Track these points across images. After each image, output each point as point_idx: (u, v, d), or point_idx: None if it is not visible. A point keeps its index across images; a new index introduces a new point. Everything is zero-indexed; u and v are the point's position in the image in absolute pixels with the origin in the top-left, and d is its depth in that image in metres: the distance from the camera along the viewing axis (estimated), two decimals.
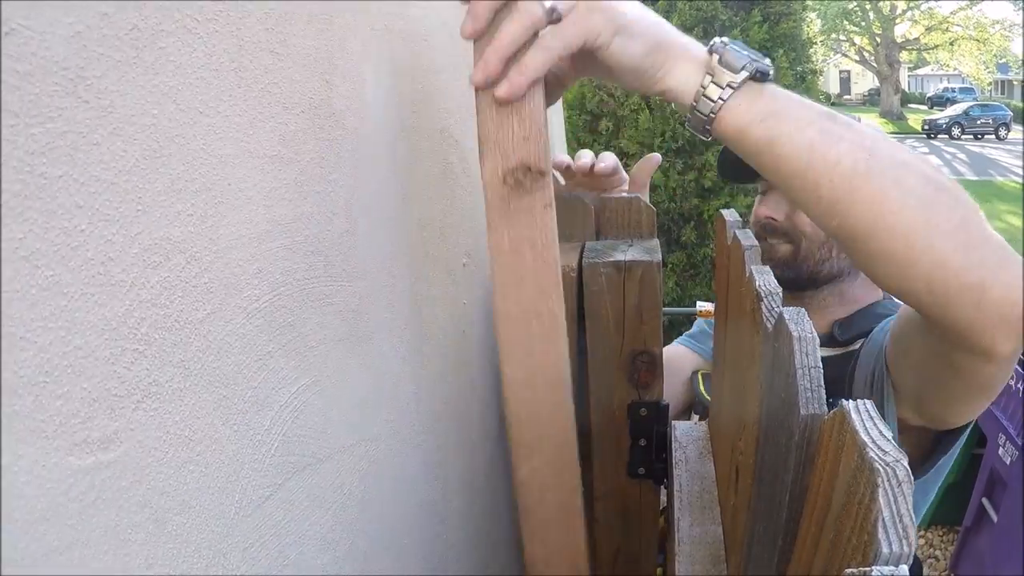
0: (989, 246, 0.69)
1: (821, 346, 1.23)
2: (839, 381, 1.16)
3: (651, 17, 0.73)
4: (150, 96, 0.44)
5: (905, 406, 1.05)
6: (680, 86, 0.73)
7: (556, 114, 1.74)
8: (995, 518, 2.97)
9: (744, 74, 0.70)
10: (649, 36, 0.71)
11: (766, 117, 0.71)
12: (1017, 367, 2.78)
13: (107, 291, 0.42)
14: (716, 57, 0.71)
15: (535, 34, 0.67)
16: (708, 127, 0.73)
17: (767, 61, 0.73)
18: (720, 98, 0.71)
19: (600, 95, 4.08)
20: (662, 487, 1.32)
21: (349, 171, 0.70)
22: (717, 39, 0.73)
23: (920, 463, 1.09)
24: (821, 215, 0.74)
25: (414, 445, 0.87)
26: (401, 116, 0.85)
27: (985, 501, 3.06)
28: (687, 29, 3.95)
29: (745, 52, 0.71)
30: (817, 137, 0.70)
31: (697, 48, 0.74)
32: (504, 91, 0.68)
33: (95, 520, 0.41)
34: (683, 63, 0.72)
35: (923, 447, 1.08)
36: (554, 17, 0.67)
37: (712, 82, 0.70)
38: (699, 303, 1.31)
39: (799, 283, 1.27)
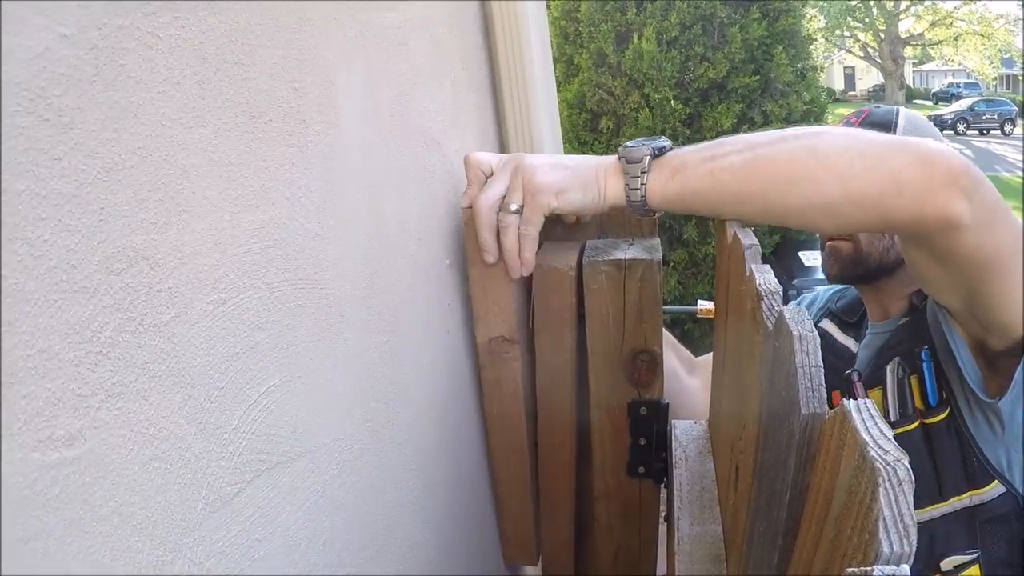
0: (878, 153, 0.79)
1: (904, 316, 1.27)
2: (921, 338, 1.18)
3: (566, 163, 0.94)
4: (111, 112, 0.46)
5: (970, 327, 1.06)
6: (616, 197, 0.92)
7: (551, 118, 1.76)
8: None
9: (646, 159, 0.87)
10: (577, 180, 0.93)
11: (673, 176, 0.87)
12: None
13: (70, 297, 0.44)
14: (623, 160, 0.89)
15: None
16: (646, 208, 0.91)
17: (662, 139, 0.89)
18: (641, 184, 0.88)
19: (600, 94, 4.09)
20: (662, 486, 1.33)
21: (320, 176, 0.72)
22: (620, 146, 0.92)
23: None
24: (760, 215, 0.87)
25: (392, 445, 0.89)
26: (378, 121, 0.87)
27: None
28: (686, 27, 3.95)
29: (641, 142, 0.88)
30: (712, 164, 0.85)
31: (608, 161, 0.93)
32: (524, 272, 1.03)
33: (60, 513, 0.43)
34: (607, 180, 0.92)
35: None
36: (518, 211, 0.95)
37: (630, 178, 0.89)
38: (700, 302, 1.31)
39: (872, 275, 1.30)
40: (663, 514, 1.33)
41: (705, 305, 1.41)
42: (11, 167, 0.40)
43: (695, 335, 4.34)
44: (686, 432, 1.33)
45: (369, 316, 0.83)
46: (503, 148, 1.54)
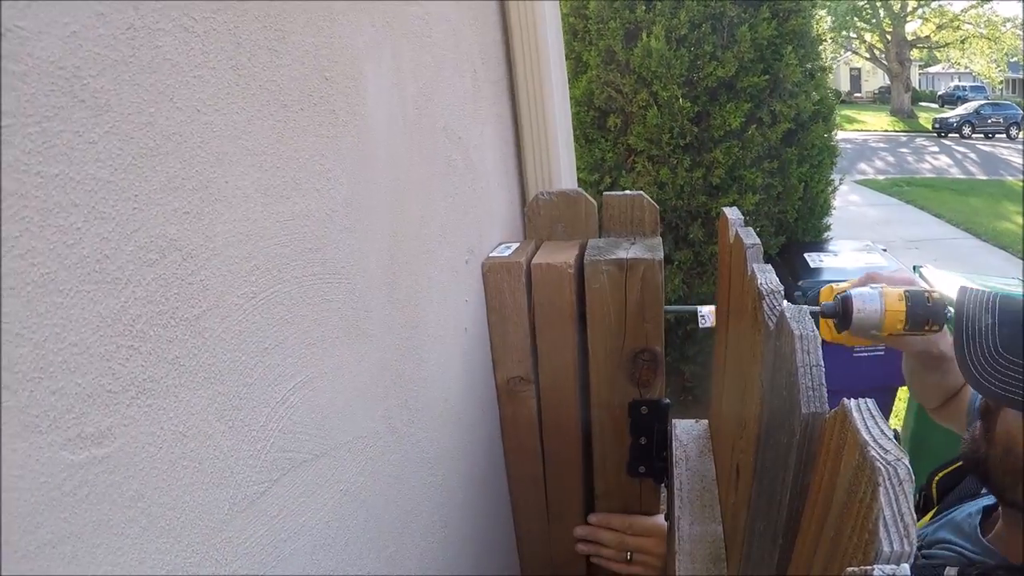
0: None
1: None
2: None
3: None
4: (146, 95, 0.44)
5: None
6: None
7: (565, 115, 1.74)
8: None
9: None
10: None
11: None
12: None
13: (102, 288, 0.42)
14: None
15: None
16: None
17: None
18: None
19: (608, 91, 4.07)
20: (662, 485, 1.32)
21: (349, 168, 0.70)
22: None
23: None
24: None
25: (412, 443, 0.88)
26: (403, 113, 0.85)
27: None
28: (695, 25, 3.94)
29: None
30: None
31: None
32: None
33: (88, 515, 0.42)
34: None
35: None
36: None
37: None
38: (699, 308, 1.30)
39: (984, 484, 1.04)
40: (663, 513, 1.33)
41: (703, 311, 1.38)
42: (44, 149, 0.38)
43: (698, 336, 4.33)
44: (686, 431, 1.32)
45: (392, 311, 0.81)
46: (519, 143, 1.52)
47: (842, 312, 1.09)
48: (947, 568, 0.95)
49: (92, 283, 0.41)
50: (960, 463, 1.19)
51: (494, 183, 1.32)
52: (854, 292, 1.07)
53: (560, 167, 1.58)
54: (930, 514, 1.12)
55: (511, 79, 1.48)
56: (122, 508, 0.44)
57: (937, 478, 1.22)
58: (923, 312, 1.03)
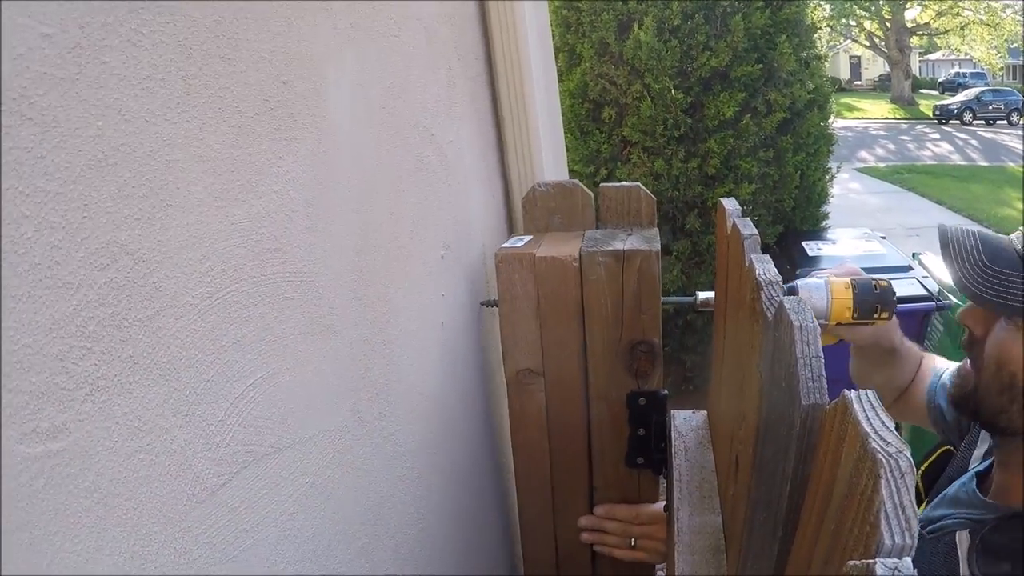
0: None
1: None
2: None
3: None
4: (94, 109, 0.47)
5: None
6: None
7: (550, 108, 1.76)
8: None
9: None
10: None
11: None
12: None
13: (54, 292, 0.45)
14: None
15: None
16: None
17: None
18: None
19: (602, 83, 4.07)
20: (661, 477, 1.34)
21: (309, 170, 0.72)
22: None
23: None
24: None
25: (383, 437, 0.90)
26: (368, 113, 0.87)
27: None
28: (688, 15, 3.93)
29: None
30: None
31: None
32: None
33: (45, 503, 0.44)
34: None
35: None
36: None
37: None
38: (699, 293, 1.30)
39: (976, 418, 1.02)
40: (662, 504, 1.34)
41: (702, 296, 1.40)
42: None
43: (698, 325, 4.34)
44: (685, 422, 1.33)
45: (360, 308, 0.84)
46: (500, 139, 1.54)
47: None
48: (957, 533, 0.94)
49: (44, 288, 0.44)
50: (940, 449, 1.22)
51: (473, 178, 1.34)
52: (800, 282, 1.09)
53: (543, 161, 1.59)
54: (922, 506, 1.13)
55: (491, 75, 1.49)
56: (78, 498, 0.46)
57: (921, 471, 1.22)
58: (871, 299, 1.05)
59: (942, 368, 1.26)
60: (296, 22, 0.70)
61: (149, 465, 0.51)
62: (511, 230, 1.61)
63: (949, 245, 0.90)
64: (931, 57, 41.21)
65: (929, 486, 1.20)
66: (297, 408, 0.70)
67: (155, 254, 0.52)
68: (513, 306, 1.18)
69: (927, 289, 3.31)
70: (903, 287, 3.43)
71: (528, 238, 1.27)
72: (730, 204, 1.01)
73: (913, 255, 3.92)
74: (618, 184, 1.34)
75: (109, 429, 0.48)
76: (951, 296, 3.23)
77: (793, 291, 1.08)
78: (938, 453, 1.23)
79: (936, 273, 3.51)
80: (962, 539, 0.93)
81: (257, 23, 0.64)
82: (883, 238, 4.36)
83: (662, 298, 1.18)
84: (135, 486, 0.50)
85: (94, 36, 0.46)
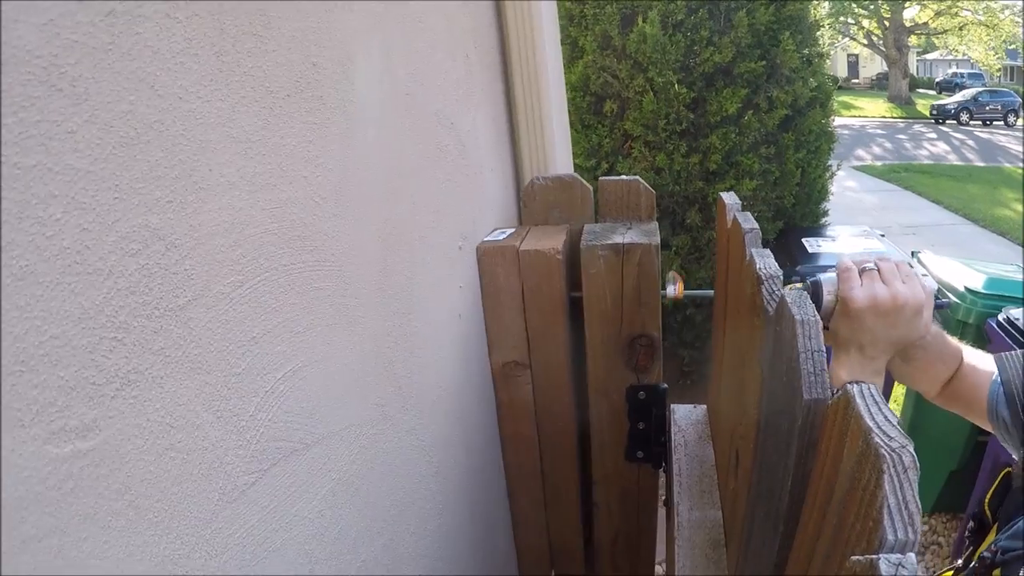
0: None
1: None
2: None
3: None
4: (127, 83, 0.43)
5: None
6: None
7: (560, 100, 1.73)
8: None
9: None
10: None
11: None
12: None
13: (84, 280, 0.42)
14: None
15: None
16: None
17: None
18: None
19: (604, 77, 4.05)
20: (661, 471, 1.33)
21: (338, 155, 0.69)
22: None
23: None
24: None
25: (406, 430, 0.87)
26: (394, 99, 0.84)
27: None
28: (692, 10, 3.91)
29: None
30: None
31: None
32: None
33: (74, 508, 0.41)
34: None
35: None
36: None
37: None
38: (669, 287, 1.29)
39: None
40: (662, 498, 1.34)
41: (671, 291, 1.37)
42: (21, 140, 0.37)
43: (696, 319, 4.33)
44: (685, 416, 1.32)
45: (384, 299, 0.81)
46: (514, 128, 1.51)
47: (812, 297, 1.08)
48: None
49: (73, 275, 0.41)
50: (1003, 472, 1.22)
51: (487, 168, 1.31)
52: (823, 277, 1.07)
53: (555, 150, 1.57)
54: (992, 531, 1.13)
55: (505, 63, 1.47)
56: (108, 501, 0.43)
57: (987, 500, 1.21)
58: None
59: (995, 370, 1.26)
60: (328, 2, 0.67)
61: (181, 464, 0.48)
62: (522, 221, 1.58)
63: (1013, 388, 0.93)
64: (929, 57, 41.31)
65: (995, 512, 1.19)
66: (325, 402, 0.67)
67: (187, 240, 0.49)
68: (497, 299, 1.18)
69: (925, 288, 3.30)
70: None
71: (510, 231, 1.26)
72: (730, 199, 1.00)
73: (912, 253, 3.91)
74: (617, 178, 1.34)
75: (140, 426, 0.45)
76: (950, 294, 3.22)
77: (817, 285, 1.06)
78: (1001, 476, 1.23)
79: (935, 271, 3.49)
80: None
81: (289, 1, 0.61)
82: (882, 235, 4.35)
83: (684, 292, 1.17)
84: (167, 486, 0.47)
85: (128, 4, 0.43)
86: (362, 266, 0.74)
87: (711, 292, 1.25)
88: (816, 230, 4.46)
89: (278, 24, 0.59)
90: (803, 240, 4.17)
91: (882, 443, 0.39)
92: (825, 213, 4.81)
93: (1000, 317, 2.76)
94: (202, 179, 0.50)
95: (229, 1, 0.53)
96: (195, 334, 0.50)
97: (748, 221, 0.84)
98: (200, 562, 0.50)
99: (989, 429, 1.04)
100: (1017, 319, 2.58)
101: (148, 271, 0.46)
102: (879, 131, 20.33)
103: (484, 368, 1.28)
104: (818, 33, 4.62)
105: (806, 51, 4.27)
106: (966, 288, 3.23)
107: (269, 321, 0.58)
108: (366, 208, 0.75)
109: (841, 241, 4.18)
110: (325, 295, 0.67)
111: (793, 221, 4.47)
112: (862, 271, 0.87)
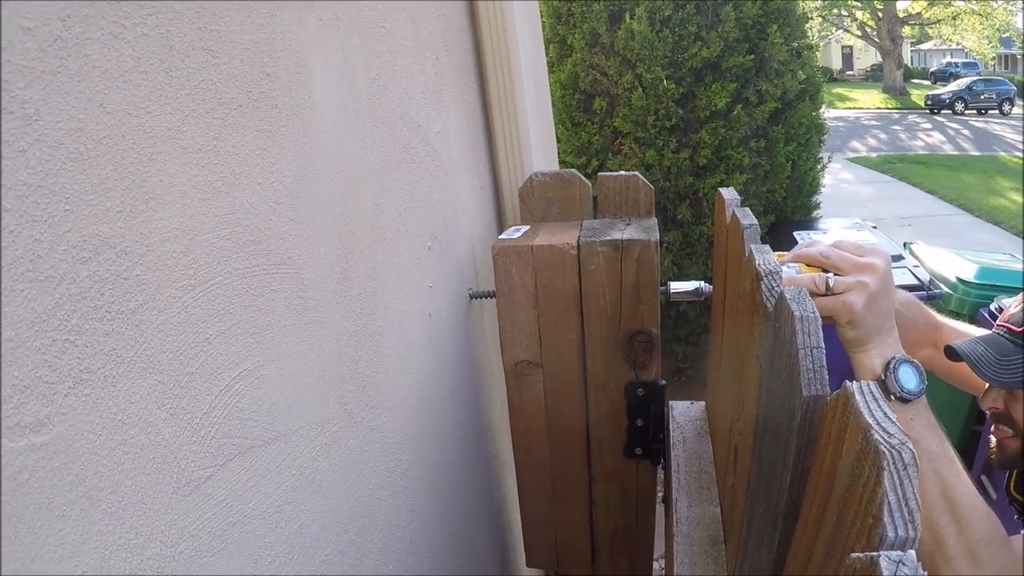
0: None
1: None
2: None
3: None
4: (76, 102, 0.46)
5: None
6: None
7: (540, 99, 1.76)
8: (994, 495, 2.98)
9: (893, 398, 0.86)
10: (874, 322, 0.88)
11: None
12: None
13: (36, 286, 0.45)
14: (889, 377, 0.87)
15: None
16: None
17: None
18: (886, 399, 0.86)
19: (593, 74, 4.07)
20: (659, 467, 1.33)
21: (294, 161, 0.72)
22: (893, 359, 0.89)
23: None
24: None
25: (371, 428, 0.90)
26: (354, 104, 0.87)
27: (984, 479, 3.08)
28: (679, 6, 3.92)
29: (914, 375, 0.87)
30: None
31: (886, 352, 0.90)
32: None
33: (29, 497, 0.44)
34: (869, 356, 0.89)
35: None
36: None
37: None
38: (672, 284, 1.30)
39: None
40: (660, 495, 1.34)
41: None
42: None
43: (690, 315, 4.36)
44: (683, 413, 1.33)
45: (346, 300, 0.84)
46: (489, 129, 1.54)
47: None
48: None
49: (26, 282, 0.44)
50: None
51: (461, 169, 1.34)
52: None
53: (532, 152, 1.59)
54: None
55: (479, 65, 1.49)
56: (63, 492, 0.46)
57: (1012, 486, 1.23)
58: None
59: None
60: (279, 13, 0.70)
61: (134, 458, 0.51)
62: (501, 221, 1.61)
63: (969, 358, 0.97)
64: (923, 47, 41.27)
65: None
66: (283, 400, 0.70)
67: (138, 247, 0.52)
68: (511, 298, 1.18)
69: (918, 278, 3.33)
70: (895, 276, 3.43)
71: (525, 228, 1.27)
72: (729, 194, 1.00)
73: (904, 244, 3.93)
74: (617, 174, 1.34)
75: (93, 422, 0.48)
76: (942, 285, 3.25)
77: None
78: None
79: (927, 262, 3.52)
80: None
81: (240, 14, 0.63)
82: (874, 227, 4.37)
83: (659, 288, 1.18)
84: (120, 479, 0.50)
85: (75, 29, 0.46)
86: (321, 268, 0.77)
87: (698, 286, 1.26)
88: (808, 223, 4.49)
89: (229, 37, 0.62)
90: (795, 234, 4.20)
91: (882, 440, 0.39)
92: (817, 206, 4.83)
93: (992, 307, 2.78)
94: (152, 189, 0.53)
95: (178, 19, 0.55)
96: (147, 336, 0.53)
97: (747, 217, 0.84)
98: (156, 551, 0.53)
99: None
100: None
101: (99, 277, 0.49)
102: (874, 122, 20.30)
103: (461, 366, 1.30)
104: (806, 25, 4.63)
105: (794, 44, 4.30)
106: (958, 279, 3.25)
107: (223, 323, 0.61)
108: (324, 211, 0.78)
109: (833, 234, 4.21)
110: (282, 297, 0.70)
111: (785, 215, 4.49)
112: (828, 289, 0.88)
